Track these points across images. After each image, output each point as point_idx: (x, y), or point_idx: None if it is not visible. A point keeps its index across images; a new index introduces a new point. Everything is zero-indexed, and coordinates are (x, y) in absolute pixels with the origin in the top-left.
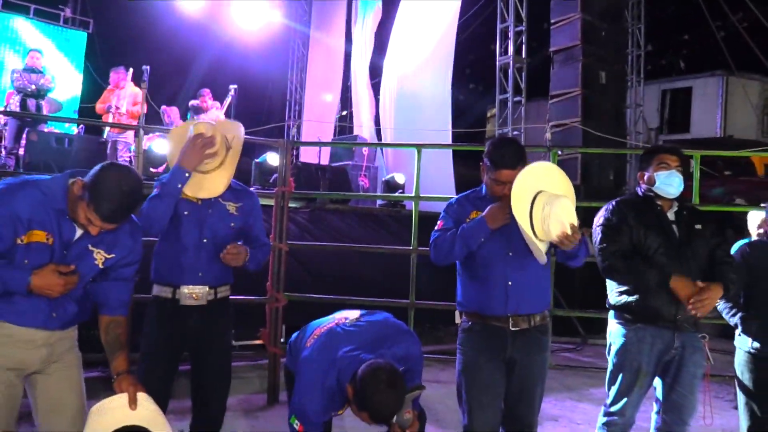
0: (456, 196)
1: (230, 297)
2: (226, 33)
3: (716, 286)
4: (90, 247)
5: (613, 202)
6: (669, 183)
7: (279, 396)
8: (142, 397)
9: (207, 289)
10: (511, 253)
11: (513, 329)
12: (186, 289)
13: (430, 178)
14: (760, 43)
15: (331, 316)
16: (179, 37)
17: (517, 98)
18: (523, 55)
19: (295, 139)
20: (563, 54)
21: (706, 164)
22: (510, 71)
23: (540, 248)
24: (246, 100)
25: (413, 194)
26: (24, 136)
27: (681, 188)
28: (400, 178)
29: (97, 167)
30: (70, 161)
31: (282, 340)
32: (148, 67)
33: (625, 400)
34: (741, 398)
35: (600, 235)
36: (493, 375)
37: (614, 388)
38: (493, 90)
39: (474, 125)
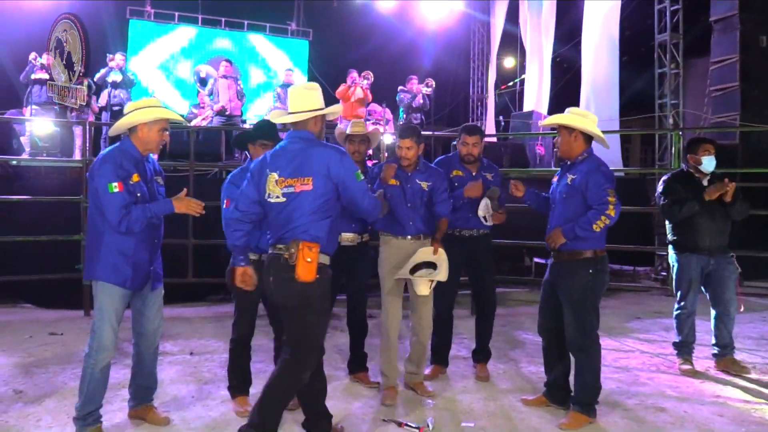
0: None
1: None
2: (414, 26)
3: None
4: None
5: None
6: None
7: None
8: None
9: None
10: None
11: None
12: None
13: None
14: None
15: None
16: (376, 33)
17: (674, 70)
18: (680, 32)
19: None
20: (722, 23)
21: None
22: (667, 46)
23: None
24: (438, 86)
25: None
26: None
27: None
28: None
29: None
30: None
31: None
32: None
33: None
34: None
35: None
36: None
37: (680, 292)
38: (647, 64)
39: (633, 98)
